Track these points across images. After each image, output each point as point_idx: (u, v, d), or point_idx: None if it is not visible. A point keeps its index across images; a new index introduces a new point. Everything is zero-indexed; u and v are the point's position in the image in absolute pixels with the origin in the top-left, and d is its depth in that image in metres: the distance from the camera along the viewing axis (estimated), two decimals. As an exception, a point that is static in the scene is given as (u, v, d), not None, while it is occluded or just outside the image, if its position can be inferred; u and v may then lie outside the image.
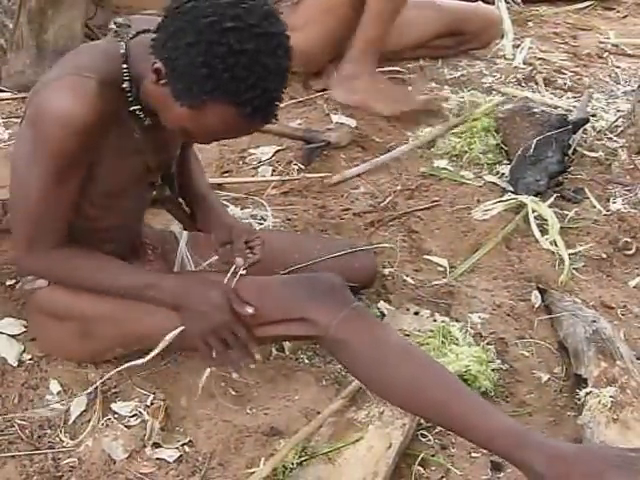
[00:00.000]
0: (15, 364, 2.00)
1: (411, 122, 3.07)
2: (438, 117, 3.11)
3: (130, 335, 1.90)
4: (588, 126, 3.05)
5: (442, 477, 1.83)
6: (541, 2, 4.28)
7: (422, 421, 1.89)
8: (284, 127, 3.01)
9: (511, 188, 2.75)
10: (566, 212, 2.67)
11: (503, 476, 1.83)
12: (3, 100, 3.03)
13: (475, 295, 2.34)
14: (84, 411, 1.91)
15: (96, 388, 1.93)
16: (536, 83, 3.44)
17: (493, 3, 3.81)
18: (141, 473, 1.80)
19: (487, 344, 2.14)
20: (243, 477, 1.79)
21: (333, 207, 2.65)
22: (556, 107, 3.18)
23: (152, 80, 1.62)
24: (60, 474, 1.79)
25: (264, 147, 2.91)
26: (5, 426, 1.87)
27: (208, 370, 1.90)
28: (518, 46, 3.69)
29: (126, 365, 1.88)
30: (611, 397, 1.91)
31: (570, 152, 2.85)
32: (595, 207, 2.72)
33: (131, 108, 1.73)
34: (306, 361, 2.08)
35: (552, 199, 2.68)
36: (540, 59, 3.65)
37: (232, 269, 1.85)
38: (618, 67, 3.67)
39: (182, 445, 1.86)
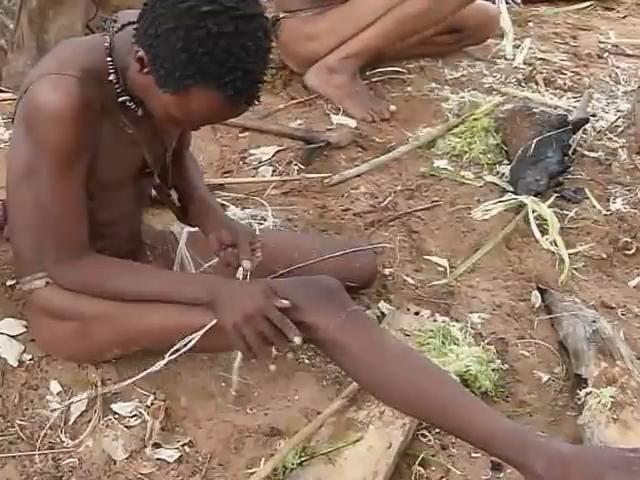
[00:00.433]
0: (15, 364, 2.00)
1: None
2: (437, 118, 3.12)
3: (128, 336, 1.90)
4: (588, 126, 3.05)
5: (442, 477, 1.83)
6: (541, 2, 4.28)
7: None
8: (284, 127, 3.01)
9: (511, 188, 2.75)
10: (566, 212, 2.67)
11: (503, 476, 1.83)
12: (4, 100, 3.03)
13: (475, 295, 2.34)
14: (84, 411, 1.91)
15: (96, 388, 1.93)
16: (536, 83, 3.44)
17: (493, 2, 3.81)
18: (141, 473, 1.80)
19: (487, 344, 2.14)
20: (243, 477, 1.80)
21: (333, 207, 2.65)
22: (556, 107, 3.18)
23: (136, 69, 1.64)
24: (60, 474, 1.79)
25: (264, 147, 2.91)
26: (5, 426, 1.87)
27: (239, 359, 1.87)
28: (518, 46, 3.69)
29: (148, 371, 1.82)
30: (611, 397, 1.91)
31: (570, 152, 2.85)
32: (595, 207, 2.72)
33: (120, 99, 1.74)
34: (306, 361, 2.09)
35: (552, 199, 2.68)
36: (540, 59, 3.65)
37: (241, 272, 1.85)
38: (618, 67, 3.67)
39: (182, 445, 1.86)
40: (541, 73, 3.50)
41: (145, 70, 1.62)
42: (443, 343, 2.08)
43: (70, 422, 1.89)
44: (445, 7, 3.13)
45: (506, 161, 2.88)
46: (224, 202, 2.56)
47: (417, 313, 2.21)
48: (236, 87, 1.57)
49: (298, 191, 2.71)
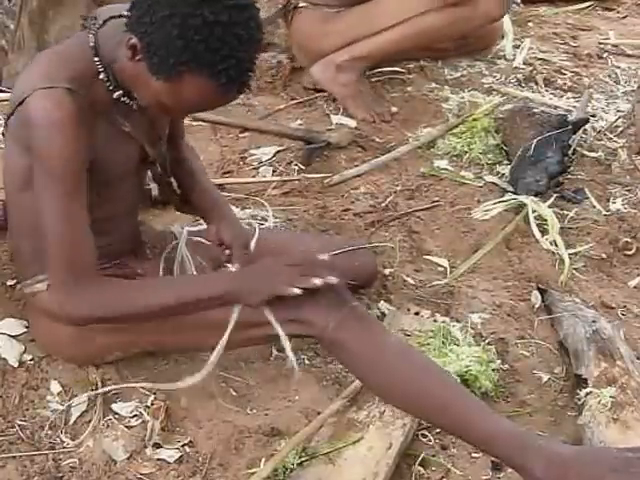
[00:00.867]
0: (16, 365, 2.00)
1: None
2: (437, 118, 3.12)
3: (128, 339, 1.90)
4: (588, 126, 3.05)
5: (442, 477, 1.83)
6: (541, 2, 4.28)
7: (422, 421, 1.89)
8: (284, 128, 3.01)
9: (511, 188, 2.75)
10: (566, 212, 2.67)
11: (503, 476, 1.83)
12: (4, 100, 3.03)
13: (475, 295, 2.34)
14: (85, 411, 1.91)
15: (97, 388, 1.93)
16: (536, 83, 3.44)
17: None
18: (141, 474, 1.80)
19: (487, 344, 2.14)
20: (243, 477, 1.80)
21: (333, 207, 2.65)
22: (556, 107, 3.18)
23: (127, 57, 1.64)
24: (61, 475, 1.79)
25: (265, 148, 2.91)
26: (6, 427, 1.87)
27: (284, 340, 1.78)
28: (518, 46, 3.69)
29: (191, 381, 1.81)
30: (611, 397, 1.91)
31: (570, 152, 2.85)
32: (595, 207, 2.72)
33: (115, 95, 1.74)
34: (307, 361, 2.09)
35: (552, 199, 2.68)
36: (540, 59, 3.64)
37: None
38: (618, 67, 3.66)
39: (182, 445, 1.86)
40: (541, 73, 3.50)
41: (137, 58, 1.63)
42: (443, 343, 2.08)
43: (70, 422, 1.89)
44: (466, 25, 3.12)
45: (506, 161, 2.88)
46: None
47: (417, 313, 2.21)
48: (229, 75, 1.59)
49: (298, 191, 2.72)
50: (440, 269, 2.44)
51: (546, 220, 2.58)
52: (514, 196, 2.69)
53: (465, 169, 2.88)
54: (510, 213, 2.65)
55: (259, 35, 1.64)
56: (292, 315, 1.77)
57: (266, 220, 2.48)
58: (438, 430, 1.90)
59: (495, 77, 3.47)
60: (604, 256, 2.53)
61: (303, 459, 1.80)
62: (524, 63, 3.58)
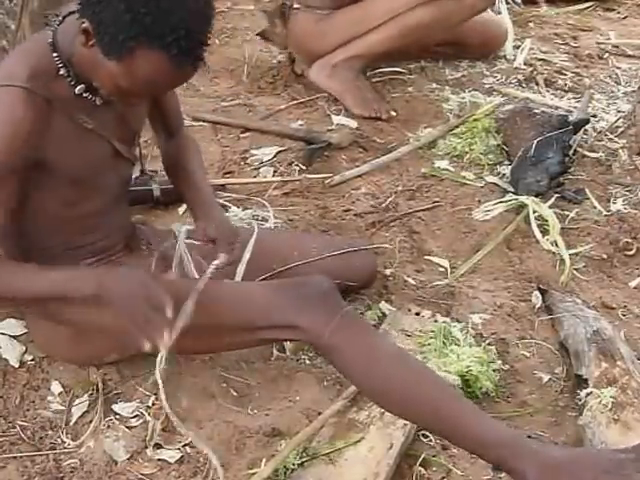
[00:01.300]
0: (16, 365, 2.00)
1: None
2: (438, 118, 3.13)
3: (122, 342, 1.87)
4: (589, 127, 3.05)
5: (443, 477, 1.83)
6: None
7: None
8: (285, 128, 3.01)
9: (512, 189, 2.75)
10: (567, 213, 2.67)
11: (504, 477, 1.82)
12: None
13: (476, 296, 2.34)
14: (85, 412, 1.91)
15: (97, 389, 1.93)
16: (537, 84, 3.44)
17: (494, 3, 3.80)
18: (142, 474, 1.80)
19: (488, 344, 2.14)
20: (244, 478, 1.80)
21: (334, 208, 2.65)
22: (557, 108, 3.18)
23: (82, 43, 1.63)
24: (61, 475, 1.79)
25: (265, 148, 2.91)
26: (7, 427, 1.88)
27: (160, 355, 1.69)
28: (519, 47, 3.68)
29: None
30: (612, 397, 1.91)
31: (571, 153, 2.85)
32: (596, 208, 2.72)
33: (76, 90, 1.73)
34: (307, 362, 2.09)
35: (553, 200, 2.68)
36: (541, 60, 3.64)
37: (212, 267, 1.85)
38: (619, 68, 3.66)
39: (183, 446, 1.86)
40: (542, 74, 3.50)
41: (91, 42, 1.62)
42: (444, 344, 2.08)
43: (71, 423, 1.89)
44: (452, 19, 3.16)
45: (507, 162, 2.88)
46: (225, 203, 2.56)
47: (418, 314, 2.21)
48: (180, 46, 1.57)
49: (299, 192, 2.72)
50: (441, 269, 2.44)
51: (547, 220, 2.58)
52: (515, 196, 2.69)
53: (466, 169, 2.88)
54: (511, 213, 2.65)
55: (208, 9, 1.63)
56: (286, 321, 1.76)
57: (267, 220, 2.49)
58: (439, 430, 1.90)
59: (496, 77, 3.48)
60: (605, 256, 2.53)
61: (304, 459, 1.80)
62: (525, 63, 3.58)
